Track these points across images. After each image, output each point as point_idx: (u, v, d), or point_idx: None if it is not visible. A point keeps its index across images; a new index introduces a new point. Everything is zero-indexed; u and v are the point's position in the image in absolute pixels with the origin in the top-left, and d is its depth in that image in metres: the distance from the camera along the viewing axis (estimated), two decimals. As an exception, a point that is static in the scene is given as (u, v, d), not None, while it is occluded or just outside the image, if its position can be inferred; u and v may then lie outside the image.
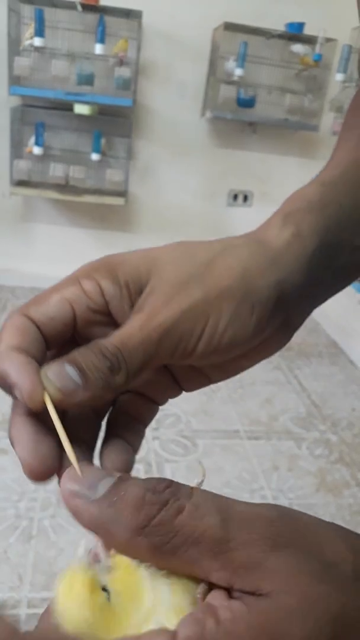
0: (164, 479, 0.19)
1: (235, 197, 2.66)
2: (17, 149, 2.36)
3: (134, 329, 0.23)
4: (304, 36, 2.28)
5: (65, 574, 0.19)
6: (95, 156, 2.38)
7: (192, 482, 0.23)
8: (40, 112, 2.34)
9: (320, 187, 0.30)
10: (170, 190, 2.60)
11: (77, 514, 0.19)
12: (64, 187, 2.41)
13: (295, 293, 0.27)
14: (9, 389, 0.21)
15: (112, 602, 0.18)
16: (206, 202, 2.65)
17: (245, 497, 1.47)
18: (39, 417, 0.22)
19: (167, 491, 0.19)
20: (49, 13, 2.19)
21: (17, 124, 2.33)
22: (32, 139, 2.35)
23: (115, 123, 2.39)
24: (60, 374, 0.21)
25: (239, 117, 2.40)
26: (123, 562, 0.19)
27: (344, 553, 0.19)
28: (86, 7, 2.17)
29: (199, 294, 0.24)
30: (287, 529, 0.19)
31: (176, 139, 2.51)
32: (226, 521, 0.18)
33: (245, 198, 2.67)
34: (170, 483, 0.19)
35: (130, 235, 2.68)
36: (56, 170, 2.37)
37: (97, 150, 2.38)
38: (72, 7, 2.17)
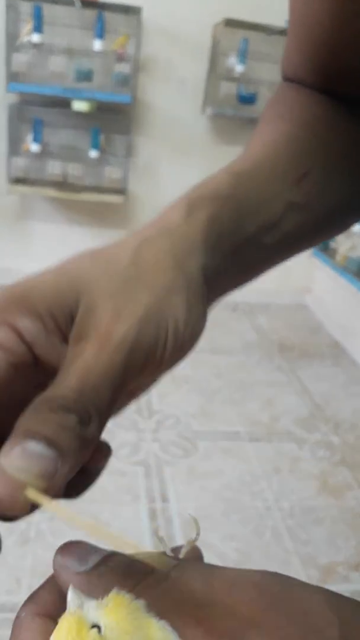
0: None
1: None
2: (14, 146, 2.35)
3: (89, 359, 0.19)
4: (306, 32, 2.27)
5: (57, 625, 0.18)
6: (93, 153, 2.37)
7: (188, 538, 0.21)
8: (38, 109, 2.33)
9: (229, 177, 0.29)
10: (170, 187, 2.59)
11: (66, 585, 0.18)
12: (62, 184, 2.41)
13: (212, 278, 0.25)
14: None
15: (106, 637, 0.17)
16: (206, 200, 2.64)
17: (246, 499, 1.46)
18: None
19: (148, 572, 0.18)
20: (48, 9, 2.18)
21: (15, 121, 2.32)
22: (30, 136, 2.35)
23: (114, 120, 2.38)
24: (31, 457, 0.17)
25: (239, 114, 2.39)
26: (114, 596, 0.18)
27: (329, 617, 0.17)
28: (85, 3, 2.16)
29: (147, 297, 0.21)
30: (271, 593, 0.17)
31: (176, 135, 2.50)
32: (210, 586, 0.17)
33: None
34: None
35: (129, 233, 2.65)
36: (54, 168, 2.36)
37: (95, 147, 2.37)
38: (71, 3, 2.16)
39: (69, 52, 2.26)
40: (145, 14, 2.22)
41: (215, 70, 2.33)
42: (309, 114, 0.35)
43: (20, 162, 2.34)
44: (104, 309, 0.20)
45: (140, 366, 0.20)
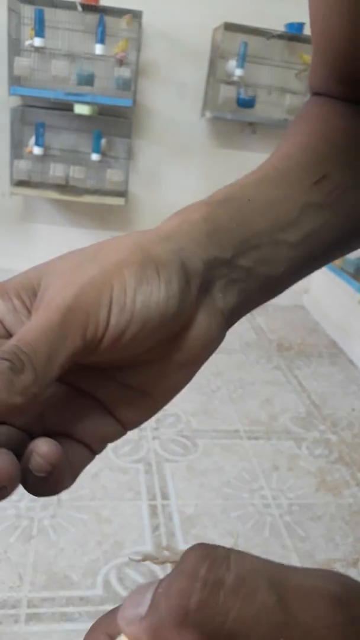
0: (198, 554, 0.16)
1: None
2: (17, 149, 2.36)
3: (31, 321, 0.21)
4: (304, 36, 2.29)
5: None
6: (95, 156, 2.38)
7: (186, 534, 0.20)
8: (41, 113, 2.34)
9: (230, 188, 0.29)
10: (170, 190, 2.60)
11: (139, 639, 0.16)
12: (64, 187, 2.41)
13: (201, 264, 0.24)
14: None
15: None
16: (206, 202, 2.65)
17: (245, 496, 1.47)
18: None
19: (204, 568, 0.15)
20: (49, 13, 2.19)
21: (18, 124, 2.34)
22: (32, 139, 2.36)
23: (115, 123, 2.39)
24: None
25: (239, 118, 2.41)
26: None
27: None
28: (86, 7, 2.17)
29: (96, 269, 0.22)
30: (355, 608, 0.16)
31: (176, 139, 2.51)
32: (284, 600, 0.15)
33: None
34: (205, 556, 0.16)
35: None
36: (56, 171, 2.37)
37: (97, 150, 2.38)
38: (73, 7, 2.17)
39: (71, 56, 2.27)
40: (146, 19, 2.23)
41: (214, 74, 2.35)
42: (328, 126, 0.35)
43: (23, 165, 2.35)
44: (55, 283, 0.22)
45: (82, 326, 0.21)
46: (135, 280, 0.22)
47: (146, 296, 0.22)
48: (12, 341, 0.20)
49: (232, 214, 0.27)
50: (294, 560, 1.30)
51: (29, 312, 0.22)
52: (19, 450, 0.21)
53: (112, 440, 0.24)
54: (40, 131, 2.33)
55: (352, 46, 0.33)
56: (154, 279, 0.22)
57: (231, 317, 0.26)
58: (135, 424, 0.25)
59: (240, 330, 2.52)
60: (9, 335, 0.22)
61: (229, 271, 0.26)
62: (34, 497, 1.25)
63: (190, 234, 0.25)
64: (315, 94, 0.39)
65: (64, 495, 1.43)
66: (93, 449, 0.24)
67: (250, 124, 2.50)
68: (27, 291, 0.23)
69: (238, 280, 0.26)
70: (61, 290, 0.21)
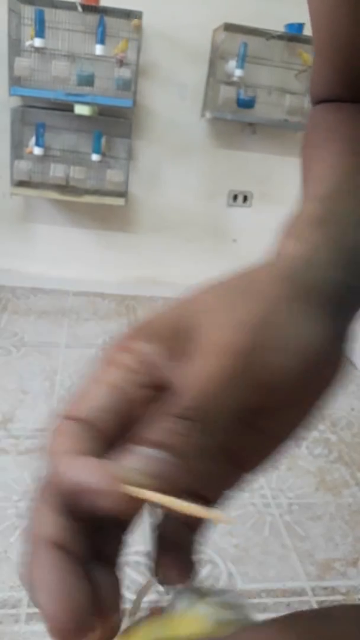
0: None
1: (235, 197, 2.67)
2: (17, 150, 2.36)
3: (204, 367, 0.19)
4: (304, 37, 2.28)
5: None
6: (95, 157, 2.38)
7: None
8: (41, 113, 2.34)
9: (318, 203, 0.27)
10: (170, 190, 2.61)
11: None
12: (65, 187, 2.41)
13: (340, 290, 0.23)
14: (87, 500, 0.17)
15: None
16: (206, 203, 2.65)
17: (245, 495, 1.48)
18: (68, 550, 0.18)
19: None
20: (50, 14, 2.19)
21: (18, 125, 2.33)
22: (33, 140, 2.35)
23: (115, 124, 2.39)
24: (144, 459, 0.17)
25: (238, 118, 2.40)
26: None
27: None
28: (86, 8, 2.17)
29: (256, 306, 0.21)
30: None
31: (176, 139, 2.51)
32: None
33: (245, 198, 2.67)
34: None
35: (130, 235, 2.68)
36: (56, 171, 2.37)
37: (97, 150, 2.38)
38: (73, 7, 2.17)
39: (71, 57, 2.27)
40: (146, 19, 2.23)
41: (214, 74, 2.34)
42: (356, 130, 0.34)
43: (23, 165, 2.35)
44: (212, 322, 0.20)
45: (260, 371, 0.19)
46: (300, 316, 0.21)
47: (311, 334, 0.21)
48: (188, 389, 0.18)
49: (344, 230, 0.25)
50: (294, 560, 1.31)
51: (182, 354, 0.20)
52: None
53: (233, 489, 0.22)
54: (40, 131, 2.33)
55: None
56: (313, 314, 0.21)
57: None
58: (253, 469, 0.22)
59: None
60: (160, 381, 0.20)
61: (347, 293, 0.24)
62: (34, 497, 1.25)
63: (323, 259, 0.23)
64: (321, 101, 0.39)
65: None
66: (209, 498, 0.22)
67: (250, 124, 2.50)
68: (178, 331, 0.21)
69: (350, 301, 0.25)
70: (226, 332, 0.20)
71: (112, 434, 0.19)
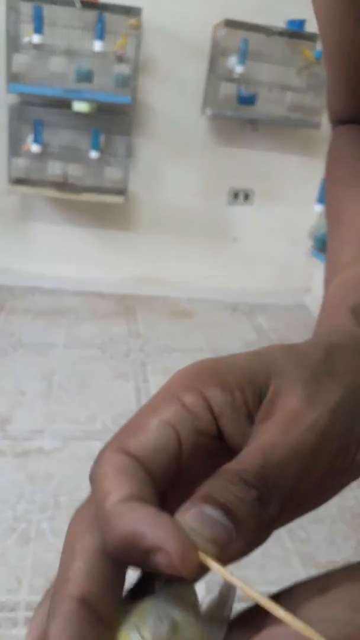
0: None
1: (236, 195, 2.65)
2: (15, 147, 2.35)
3: (276, 437, 0.18)
4: (305, 33, 2.27)
5: None
6: (94, 154, 2.37)
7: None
8: (39, 110, 2.33)
9: None
10: (170, 188, 2.59)
11: None
12: (63, 185, 2.40)
13: None
14: (141, 554, 0.16)
15: None
16: (207, 201, 2.64)
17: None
18: (92, 608, 0.16)
19: None
20: (48, 10, 2.18)
21: (16, 122, 2.32)
22: (31, 137, 2.34)
23: (114, 120, 2.38)
24: (206, 521, 0.16)
25: (239, 115, 2.40)
26: None
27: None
28: (85, 4, 2.16)
29: (340, 390, 0.20)
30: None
31: (176, 136, 2.49)
32: None
33: (246, 196, 2.66)
34: None
35: (129, 233, 2.67)
36: (54, 169, 2.36)
37: (96, 148, 2.37)
38: (71, 4, 2.16)
39: (69, 53, 2.26)
40: (146, 15, 2.22)
41: (215, 71, 2.33)
42: None
43: (20, 162, 2.34)
44: (294, 393, 0.20)
45: (331, 458, 0.19)
46: None
47: None
48: (255, 457, 0.18)
49: None
50: (295, 563, 1.29)
51: (249, 413, 0.19)
52: None
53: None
54: (38, 129, 2.32)
55: None
56: None
57: None
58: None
59: (241, 330, 2.51)
60: (218, 432, 0.19)
61: None
62: (32, 499, 1.24)
63: None
64: (340, 121, 0.38)
65: (63, 497, 1.41)
66: None
67: (251, 121, 2.49)
68: (252, 388, 0.20)
69: None
70: (308, 408, 0.19)
71: (160, 477, 0.18)
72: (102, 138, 2.39)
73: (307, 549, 1.33)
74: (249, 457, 0.18)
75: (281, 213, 2.66)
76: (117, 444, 0.18)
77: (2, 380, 1.90)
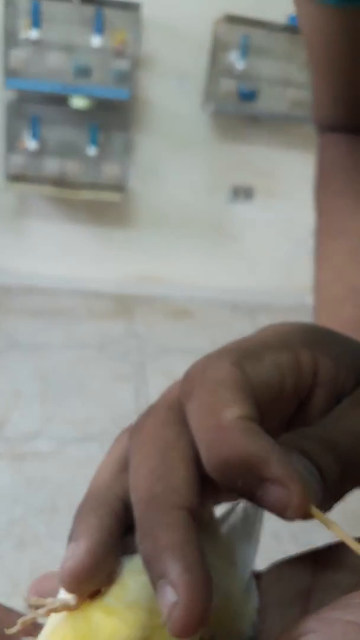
0: None
1: (237, 192, 2.65)
2: (12, 143, 2.34)
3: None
4: (307, 28, 2.26)
5: None
6: (92, 150, 2.37)
7: None
8: (36, 106, 2.32)
9: None
10: (169, 185, 2.59)
11: None
12: (60, 182, 2.40)
13: None
14: (254, 481, 0.15)
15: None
16: (207, 198, 2.63)
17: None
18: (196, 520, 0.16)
19: None
20: (46, 5, 2.16)
21: (13, 118, 2.32)
22: (28, 133, 2.34)
23: (113, 117, 2.37)
24: (308, 471, 0.17)
25: (240, 111, 2.39)
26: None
27: None
28: (83, -1, 2.15)
29: None
30: None
31: (176, 133, 2.49)
32: None
33: (248, 193, 2.65)
34: None
35: (128, 231, 2.67)
36: (52, 165, 2.35)
37: (94, 144, 2.36)
38: (69, -2, 2.15)
39: (68, 49, 2.25)
40: (145, 10, 2.21)
41: (215, 66, 2.32)
42: None
43: (17, 159, 2.33)
44: None
45: None
46: None
47: None
48: (348, 439, 0.18)
49: None
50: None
51: (343, 391, 0.20)
52: None
53: None
54: (35, 125, 2.32)
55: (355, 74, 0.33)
56: None
57: None
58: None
59: (241, 330, 2.49)
60: (298, 406, 0.19)
61: None
62: (29, 502, 1.21)
63: None
64: (326, 128, 0.39)
65: (60, 501, 1.40)
66: None
67: (252, 117, 2.49)
68: (357, 372, 0.20)
69: None
70: None
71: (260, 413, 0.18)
72: (100, 134, 2.38)
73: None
74: (341, 434, 0.18)
75: (283, 211, 2.65)
76: (234, 358, 0.17)
77: (-1, 380, 1.90)
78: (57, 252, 2.65)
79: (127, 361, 2.14)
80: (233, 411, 0.16)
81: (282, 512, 0.15)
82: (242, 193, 2.65)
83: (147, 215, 2.64)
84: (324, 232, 0.36)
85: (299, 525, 1.36)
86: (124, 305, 2.63)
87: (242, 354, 0.18)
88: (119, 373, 2.04)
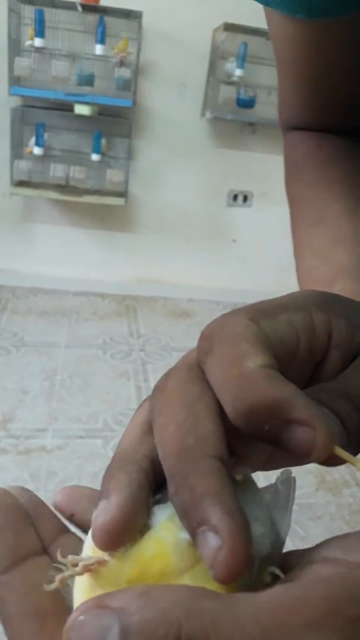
0: None
1: (235, 197, 2.66)
2: (17, 150, 2.36)
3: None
4: (304, 37, 2.28)
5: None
6: (95, 156, 2.38)
7: None
8: (41, 113, 2.34)
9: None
10: (170, 190, 2.60)
11: None
12: (65, 187, 2.41)
13: None
14: (281, 424, 0.15)
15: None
16: (206, 203, 2.65)
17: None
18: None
19: None
20: (50, 13, 2.19)
21: (18, 125, 2.34)
22: (33, 140, 2.36)
23: (115, 123, 2.39)
24: (330, 419, 0.16)
25: (238, 118, 2.40)
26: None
27: None
28: (86, 8, 2.17)
29: None
30: None
31: (176, 139, 2.50)
32: None
33: (245, 198, 2.67)
34: None
35: (130, 235, 2.68)
36: (56, 171, 2.37)
37: (97, 150, 2.38)
38: (73, 7, 2.17)
39: (71, 57, 2.27)
40: (146, 19, 2.23)
41: (214, 74, 2.34)
42: (343, 168, 0.37)
43: (23, 165, 2.35)
44: None
45: None
46: None
47: None
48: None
49: None
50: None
51: (356, 353, 0.20)
52: None
53: None
54: (40, 131, 2.33)
55: (322, 76, 0.34)
56: None
57: None
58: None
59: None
60: (308, 367, 0.19)
61: None
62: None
63: None
64: (291, 127, 0.40)
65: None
66: None
67: (250, 124, 2.49)
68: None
69: None
70: None
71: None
72: (103, 141, 2.40)
73: (305, 547, 1.33)
74: (359, 385, 0.18)
75: (279, 214, 2.66)
76: (252, 315, 0.17)
77: (5, 379, 1.92)
78: (61, 255, 2.66)
79: (129, 360, 2.15)
80: (255, 360, 0.16)
81: (309, 453, 0.15)
82: (240, 197, 2.69)
83: (149, 219, 2.66)
84: (303, 222, 0.36)
85: (294, 518, 1.40)
86: (126, 306, 2.66)
87: (258, 312, 0.18)
88: (121, 371, 2.06)
